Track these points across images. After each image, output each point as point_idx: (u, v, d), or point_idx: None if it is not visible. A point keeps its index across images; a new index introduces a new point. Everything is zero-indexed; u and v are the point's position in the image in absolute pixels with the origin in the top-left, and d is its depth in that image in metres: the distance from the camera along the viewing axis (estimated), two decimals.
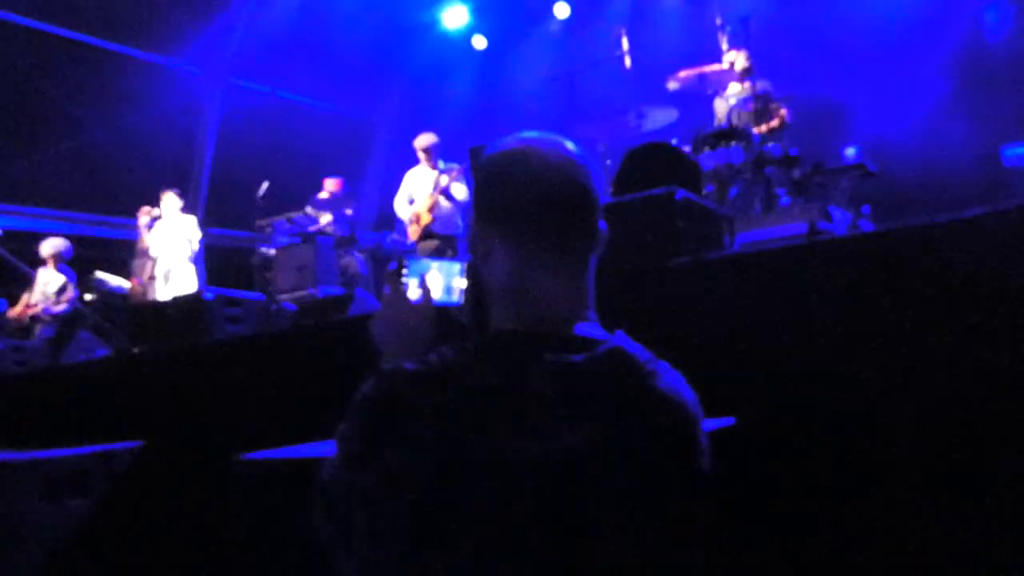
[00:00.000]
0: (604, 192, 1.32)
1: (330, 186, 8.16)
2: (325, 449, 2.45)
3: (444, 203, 7.26)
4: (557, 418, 1.08)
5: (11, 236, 7.86)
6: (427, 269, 1.38)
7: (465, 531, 1.05)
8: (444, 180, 7.22)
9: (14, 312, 7.51)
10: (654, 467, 1.10)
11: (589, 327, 1.21)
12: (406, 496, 1.07)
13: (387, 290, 1.39)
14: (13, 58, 8.70)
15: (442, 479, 1.06)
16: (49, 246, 7.73)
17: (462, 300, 1.38)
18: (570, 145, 1.26)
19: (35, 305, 7.49)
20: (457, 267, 1.39)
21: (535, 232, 1.20)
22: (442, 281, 1.38)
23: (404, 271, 1.38)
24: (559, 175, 1.21)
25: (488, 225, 1.25)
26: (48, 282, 7.64)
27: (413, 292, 1.36)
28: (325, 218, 7.84)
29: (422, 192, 7.33)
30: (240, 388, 3.88)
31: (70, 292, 7.60)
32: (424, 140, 7.41)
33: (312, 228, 7.58)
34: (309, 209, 7.92)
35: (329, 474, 1.19)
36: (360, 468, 1.14)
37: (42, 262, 7.71)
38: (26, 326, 7.50)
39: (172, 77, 10.30)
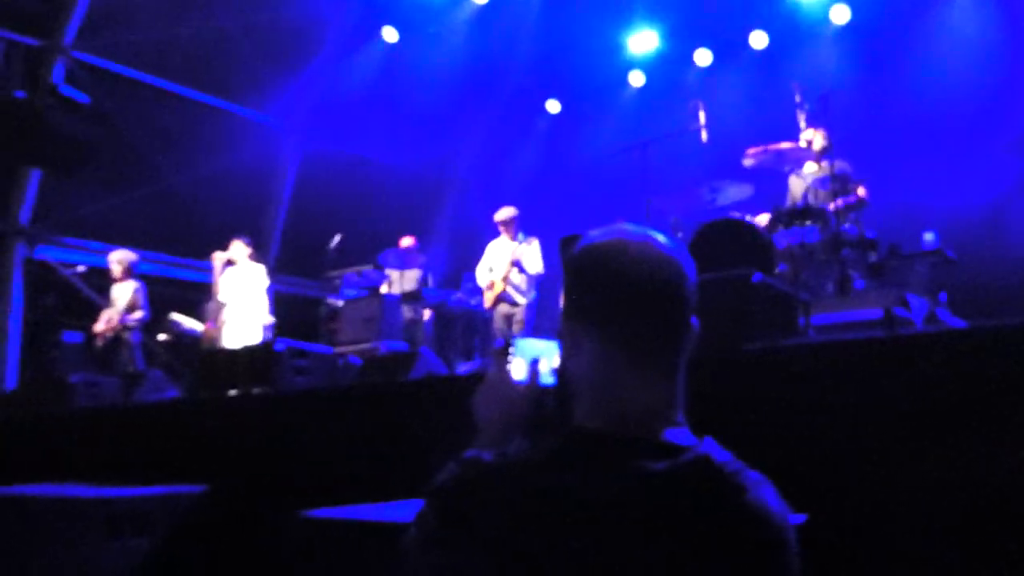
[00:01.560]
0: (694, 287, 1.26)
1: (405, 243, 8.33)
2: (386, 513, 2.47)
3: (517, 273, 7.58)
4: (632, 529, 1.04)
5: (93, 272, 8.16)
6: (534, 350, 1.37)
7: None
8: (517, 252, 7.53)
9: (97, 328, 7.76)
10: None
11: (677, 432, 1.16)
12: None
13: (492, 367, 1.39)
14: (102, 102, 9.12)
15: None
16: (114, 259, 7.95)
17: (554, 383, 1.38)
18: (663, 239, 1.22)
19: (112, 320, 7.72)
20: (555, 347, 1.37)
21: (625, 331, 1.16)
22: (545, 362, 1.37)
23: (511, 349, 1.37)
24: (652, 273, 1.17)
25: (577, 320, 1.21)
26: (121, 295, 7.86)
27: (517, 372, 1.36)
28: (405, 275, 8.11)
29: (500, 262, 7.66)
30: (303, 441, 3.92)
31: (140, 300, 7.79)
32: (503, 214, 7.77)
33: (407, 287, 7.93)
34: (390, 271, 8.14)
35: (407, 549, 1.20)
36: (430, 552, 1.15)
37: (113, 279, 7.96)
38: (112, 343, 7.73)
39: (252, 128, 10.68)
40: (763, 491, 1.11)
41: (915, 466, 2.32)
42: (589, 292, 1.21)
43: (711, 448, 1.14)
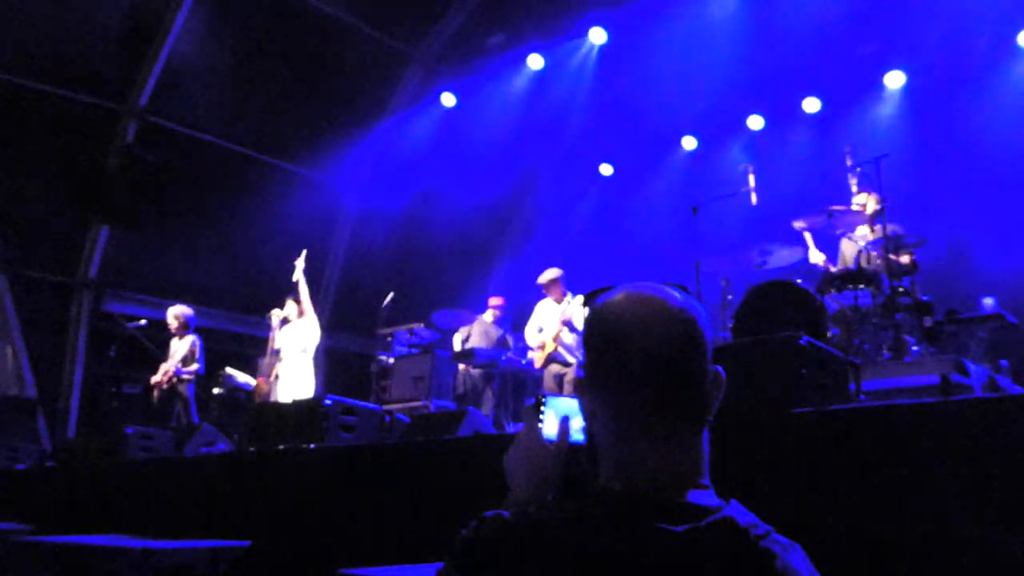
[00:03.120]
0: (712, 342, 1.23)
1: (494, 303, 8.60)
2: (426, 574, 2.45)
3: (567, 333, 7.54)
4: None
5: (154, 325, 8.40)
6: (565, 408, 1.36)
7: None
8: (567, 311, 7.52)
9: (153, 380, 7.97)
10: None
11: (701, 494, 1.14)
12: None
13: (522, 426, 1.38)
14: (170, 162, 9.52)
15: None
16: (172, 313, 8.20)
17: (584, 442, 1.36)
18: (677, 295, 1.20)
19: (168, 372, 7.91)
20: None
21: (634, 399, 1.15)
22: (577, 421, 1.35)
23: (542, 407, 1.36)
24: (659, 335, 1.15)
25: (591, 385, 1.21)
26: (178, 349, 8.08)
27: (548, 429, 1.35)
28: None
29: (549, 322, 7.66)
30: (349, 497, 3.93)
31: (196, 353, 8.00)
32: (545, 276, 7.81)
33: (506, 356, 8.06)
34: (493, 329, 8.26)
35: None
36: None
37: (172, 332, 8.18)
38: (167, 395, 7.91)
39: (312, 187, 10.97)
40: (791, 557, 1.07)
41: (971, 535, 2.23)
42: (598, 359, 1.20)
43: (736, 511, 1.11)
